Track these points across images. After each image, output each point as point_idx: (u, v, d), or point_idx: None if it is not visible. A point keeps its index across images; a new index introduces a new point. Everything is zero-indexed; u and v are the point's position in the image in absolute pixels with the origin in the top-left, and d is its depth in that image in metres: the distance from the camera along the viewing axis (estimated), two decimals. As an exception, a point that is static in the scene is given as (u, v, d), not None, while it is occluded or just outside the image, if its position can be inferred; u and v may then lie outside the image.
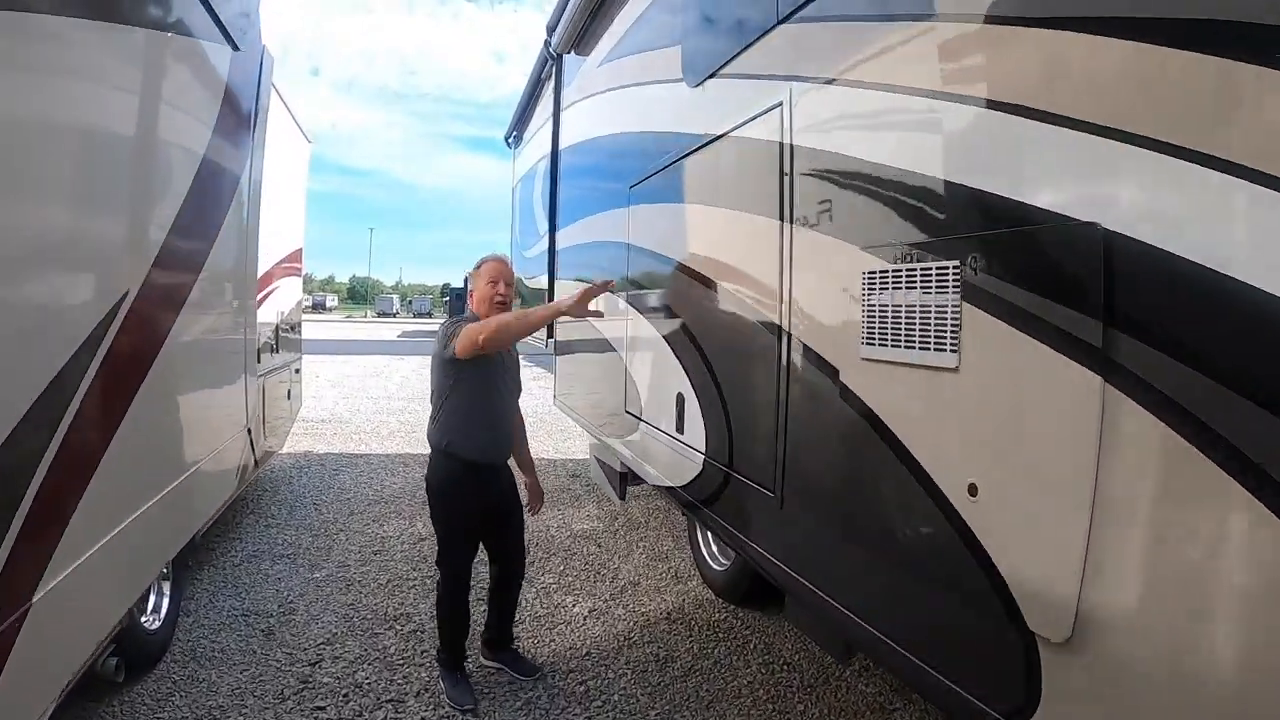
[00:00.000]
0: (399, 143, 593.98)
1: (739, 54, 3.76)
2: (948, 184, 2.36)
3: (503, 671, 4.43)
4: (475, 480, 4.07)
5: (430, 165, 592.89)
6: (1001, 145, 2.16)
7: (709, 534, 5.54)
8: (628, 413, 5.55)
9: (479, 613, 4.52)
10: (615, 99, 6.02)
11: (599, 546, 6.76)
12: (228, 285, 4.67)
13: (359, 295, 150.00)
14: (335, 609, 5.22)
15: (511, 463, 4.36)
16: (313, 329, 34.03)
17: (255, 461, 5.82)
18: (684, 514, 5.85)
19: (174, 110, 3.49)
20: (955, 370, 2.28)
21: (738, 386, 3.87)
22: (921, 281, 2.40)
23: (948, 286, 2.29)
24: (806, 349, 3.11)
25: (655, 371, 5.03)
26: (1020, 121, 2.07)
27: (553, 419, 13.31)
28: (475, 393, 4.03)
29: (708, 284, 4.11)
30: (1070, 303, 1.89)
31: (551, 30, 7.75)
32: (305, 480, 9.09)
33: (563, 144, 8.07)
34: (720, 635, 4.97)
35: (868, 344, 2.67)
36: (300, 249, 9.80)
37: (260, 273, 6.98)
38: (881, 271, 2.60)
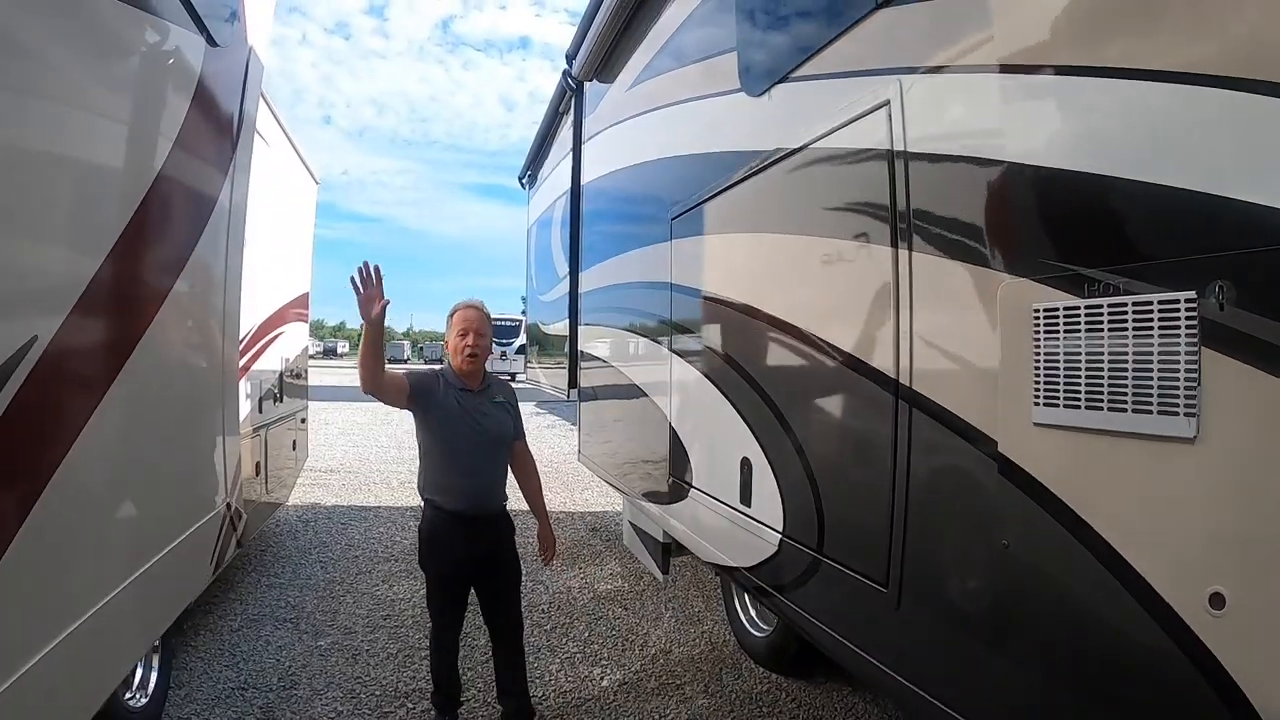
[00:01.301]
0: (410, 189, 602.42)
1: (820, 50, 3.15)
2: (1170, 190, 1.72)
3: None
4: (460, 530, 3.94)
5: (441, 212, 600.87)
6: (1258, 135, 1.56)
7: (746, 597, 4.98)
8: (673, 476, 4.86)
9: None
10: (650, 122, 5.44)
11: (625, 609, 6.23)
12: (198, 329, 3.93)
13: None
14: (340, 683, 4.78)
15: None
16: (323, 376, 33.89)
17: (238, 540, 5.05)
18: (716, 574, 5.30)
19: (117, 104, 2.77)
20: (1192, 441, 1.66)
21: (830, 453, 3.19)
22: (1135, 320, 1.77)
23: (1178, 326, 1.68)
24: (940, 411, 2.42)
25: (710, 431, 4.35)
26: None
27: (568, 468, 12.96)
28: (440, 440, 3.96)
29: (783, 328, 3.44)
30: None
31: (571, 58, 7.33)
32: (311, 534, 8.71)
33: (585, 178, 7.52)
34: (765, 710, 4.53)
35: (1046, 405, 2.00)
36: (307, 293, 9.48)
37: (259, 317, 6.71)
38: (1068, 309, 1.93)
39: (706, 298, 4.34)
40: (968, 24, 2.36)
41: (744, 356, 3.90)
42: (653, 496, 5.36)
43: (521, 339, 37.26)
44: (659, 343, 5.10)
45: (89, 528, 2.72)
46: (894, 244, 2.61)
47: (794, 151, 3.31)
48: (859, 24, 2.87)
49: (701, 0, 4.51)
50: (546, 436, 18.47)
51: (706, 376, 4.31)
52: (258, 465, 6.55)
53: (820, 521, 3.17)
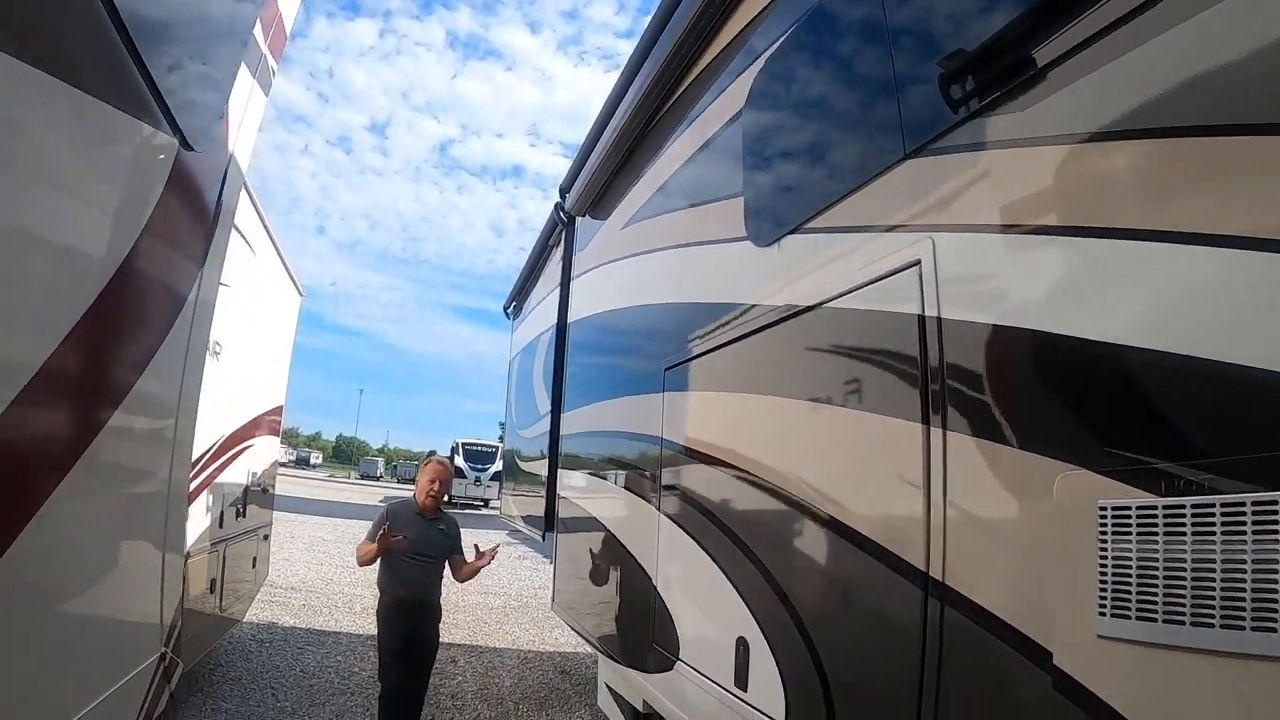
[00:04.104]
0: (396, 306, 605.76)
1: (838, 201, 2.96)
2: (1267, 373, 1.48)
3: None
4: (400, 611, 5.67)
5: (424, 331, 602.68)
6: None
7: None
8: (657, 644, 4.44)
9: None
10: (645, 264, 5.27)
11: (597, 763, 5.91)
12: (145, 451, 3.50)
13: (344, 455, 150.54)
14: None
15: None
16: (293, 486, 33.36)
17: (171, 693, 4.42)
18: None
19: (75, 195, 2.52)
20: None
21: (845, 645, 2.82)
22: (1224, 524, 1.51)
23: (1277, 531, 1.42)
24: (978, 611, 2.10)
25: (702, 603, 3.99)
26: None
27: (539, 604, 12.47)
28: (395, 556, 5.65)
29: (790, 501, 3.12)
30: None
31: (565, 191, 7.24)
32: (265, 657, 8.35)
33: (573, 316, 7.34)
34: None
35: (1114, 615, 1.71)
36: (281, 405, 9.49)
37: (226, 428, 6.72)
38: (1142, 508, 1.66)
39: (702, 458, 4.02)
40: (1016, 177, 2.16)
41: (744, 528, 3.56)
42: (632, 660, 4.93)
43: (497, 465, 36.83)
44: (646, 500, 4.74)
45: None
46: (925, 420, 2.33)
47: (807, 309, 3.07)
48: (884, 174, 2.68)
49: (705, 141, 4.38)
50: (519, 569, 17.96)
51: (699, 544, 3.94)
52: (213, 582, 6.43)
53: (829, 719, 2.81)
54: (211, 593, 6.43)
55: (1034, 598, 1.96)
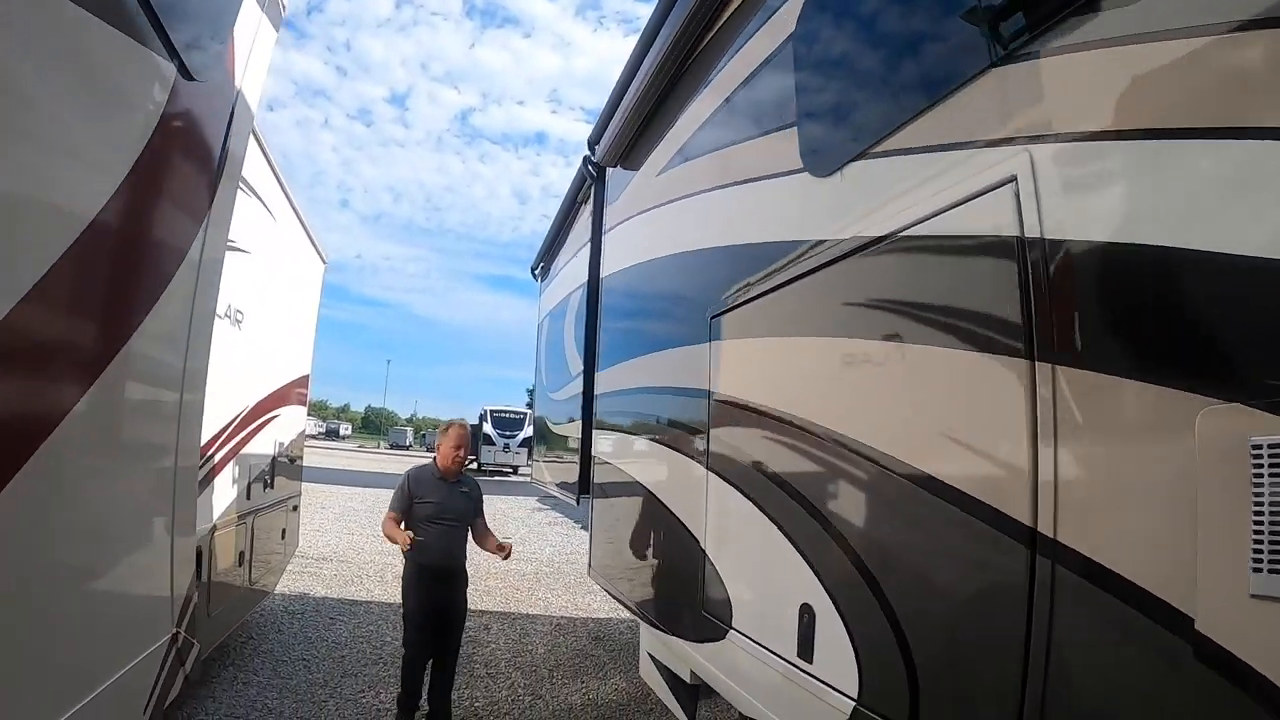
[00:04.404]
0: (421, 277, 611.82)
1: (911, 120, 2.66)
2: None
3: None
4: (426, 578, 5.77)
5: (450, 301, 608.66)
6: None
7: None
8: (707, 612, 4.18)
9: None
10: (685, 210, 4.96)
11: (634, 730, 5.85)
12: (146, 414, 3.26)
13: (373, 425, 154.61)
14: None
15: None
16: (323, 457, 33.63)
17: (186, 675, 4.09)
18: None
19: (50, 122, 2.20)
20: None
21: (932, 614, 2.53)
22: None
23: None
24: (1099, 570, 1.82)
25: (759, 567, 3.72)
26: None
27: (571, 569, 12.49)
28: (421, 517, 5.79)
29: (862, 455, 2.81)
30: None
31: (594, 143, 6.95)
32: (296, 628, 8.37)
33: (605, 271, 7.06)
34: None
35: (1271, 570, 1.45)
36: (307, 375, 9.38)
37: (250, 398, 6.58)
38: (1310, 445, 1.38)
39: (758, 410, 3.70)
40: (1131, 77, 1.86)
41: (808, 485, 3.25)
42: (678, 629, 4.68)
43: (527, 432, 37.24)
44: (693, 458, 4.46)
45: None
46: (1029, 355, 2.04)
47: (876, 240, 2.78)
48: (966, 86, 2.38)
49: (751, 71, 4.06)
50: (549, 535, 17.96)
51: (756, 504, 3.64)
52: (241, 555, 6.39)
53: (913, 695, 2.51)
54: (240, 565, 6.40)
55: (1169, 554, 1.69)
